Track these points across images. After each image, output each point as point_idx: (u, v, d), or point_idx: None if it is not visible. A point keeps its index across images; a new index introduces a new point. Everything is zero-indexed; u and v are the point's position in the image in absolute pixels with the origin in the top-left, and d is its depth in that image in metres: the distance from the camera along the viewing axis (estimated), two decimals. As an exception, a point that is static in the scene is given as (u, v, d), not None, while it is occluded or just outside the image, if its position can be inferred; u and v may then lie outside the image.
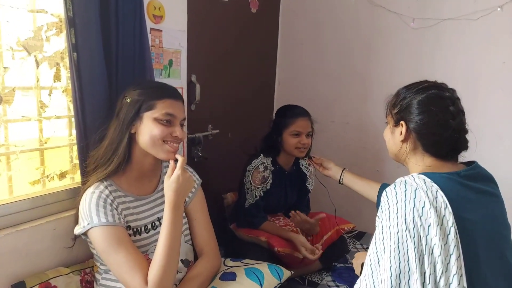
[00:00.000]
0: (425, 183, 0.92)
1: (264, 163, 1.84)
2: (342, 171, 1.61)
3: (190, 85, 1.89)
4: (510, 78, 1.94)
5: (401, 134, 1.05)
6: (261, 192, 1.84)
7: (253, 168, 1.84)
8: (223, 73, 2.15)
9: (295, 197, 2.01)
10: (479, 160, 1.05)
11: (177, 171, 1.15)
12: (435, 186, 0.91)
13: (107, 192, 1.16)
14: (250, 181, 1.83)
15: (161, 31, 1.54)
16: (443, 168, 1.01)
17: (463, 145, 1.02)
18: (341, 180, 1.60)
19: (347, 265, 2.05)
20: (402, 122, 1.05)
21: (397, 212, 0.89)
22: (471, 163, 1.05)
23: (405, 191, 0.91)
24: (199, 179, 1.42)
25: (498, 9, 1.90)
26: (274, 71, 2.70)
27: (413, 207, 0.87)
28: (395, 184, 0.96)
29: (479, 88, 2.01)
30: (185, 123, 1.27)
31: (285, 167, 1.94)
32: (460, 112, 1.01)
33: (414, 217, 0.87)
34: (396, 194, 0.92)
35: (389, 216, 0.90)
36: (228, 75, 2.19)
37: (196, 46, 1.87)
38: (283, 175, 1.93)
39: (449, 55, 2.08)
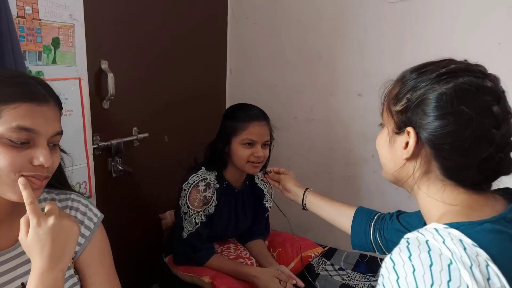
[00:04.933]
0: (465, 249, 0.51)
1: (206, 179, 1.37)
2: (304, 193, 1.18)
3: (100, 75, 1.38)
4: (507, 63, 1.59)
5: (406, 147, 0.65)
6: (203, 217, 1.38)
7: (190, 186, 1.36)
8: (152, 58, 1.65)
9: (250, 220, 1.56)
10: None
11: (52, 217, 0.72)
12: (483, 255, 0.51)
13: None
14: (187, 203, 1.36)
15: (35, -6, 1.03)
16: (479, 207, 0.60)
17: (507, 168, 0.62)
18: (304, 205, 1.17)
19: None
20: (409, 128, 0.64)
21: None
22: (507, 192, 0.66)
23: (430, 266, 0.50)
24: (98, 214, 0.95)
25: (494, -25, 1.53)
26: (225, 58, 2.23)
27: None
28: (408, 248, 0.53)
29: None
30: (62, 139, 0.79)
31: (235, 184, 1.47)
32: (509, 116, 0.61)
33: None
34: (414, 271, 0.50)
35: None
36: (161, 61, 1.70)
37: (105, 21, 1.37)
38: (232, 194, 1.47)
39: (435, 35, 1.69)
